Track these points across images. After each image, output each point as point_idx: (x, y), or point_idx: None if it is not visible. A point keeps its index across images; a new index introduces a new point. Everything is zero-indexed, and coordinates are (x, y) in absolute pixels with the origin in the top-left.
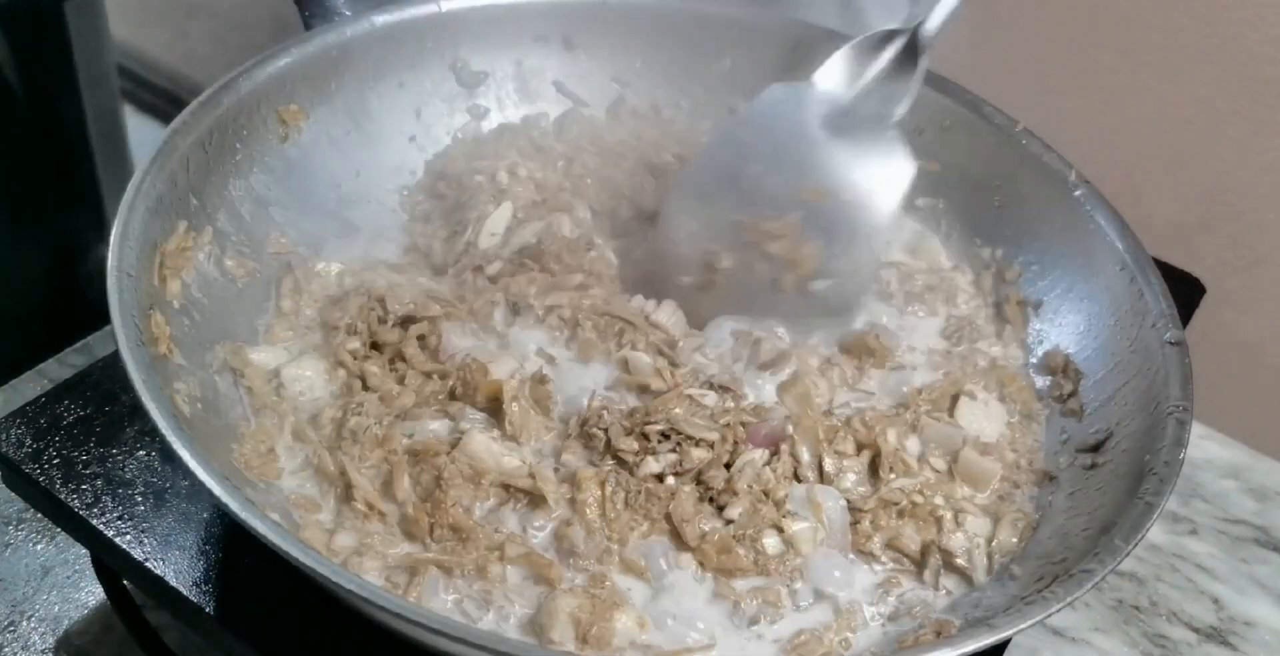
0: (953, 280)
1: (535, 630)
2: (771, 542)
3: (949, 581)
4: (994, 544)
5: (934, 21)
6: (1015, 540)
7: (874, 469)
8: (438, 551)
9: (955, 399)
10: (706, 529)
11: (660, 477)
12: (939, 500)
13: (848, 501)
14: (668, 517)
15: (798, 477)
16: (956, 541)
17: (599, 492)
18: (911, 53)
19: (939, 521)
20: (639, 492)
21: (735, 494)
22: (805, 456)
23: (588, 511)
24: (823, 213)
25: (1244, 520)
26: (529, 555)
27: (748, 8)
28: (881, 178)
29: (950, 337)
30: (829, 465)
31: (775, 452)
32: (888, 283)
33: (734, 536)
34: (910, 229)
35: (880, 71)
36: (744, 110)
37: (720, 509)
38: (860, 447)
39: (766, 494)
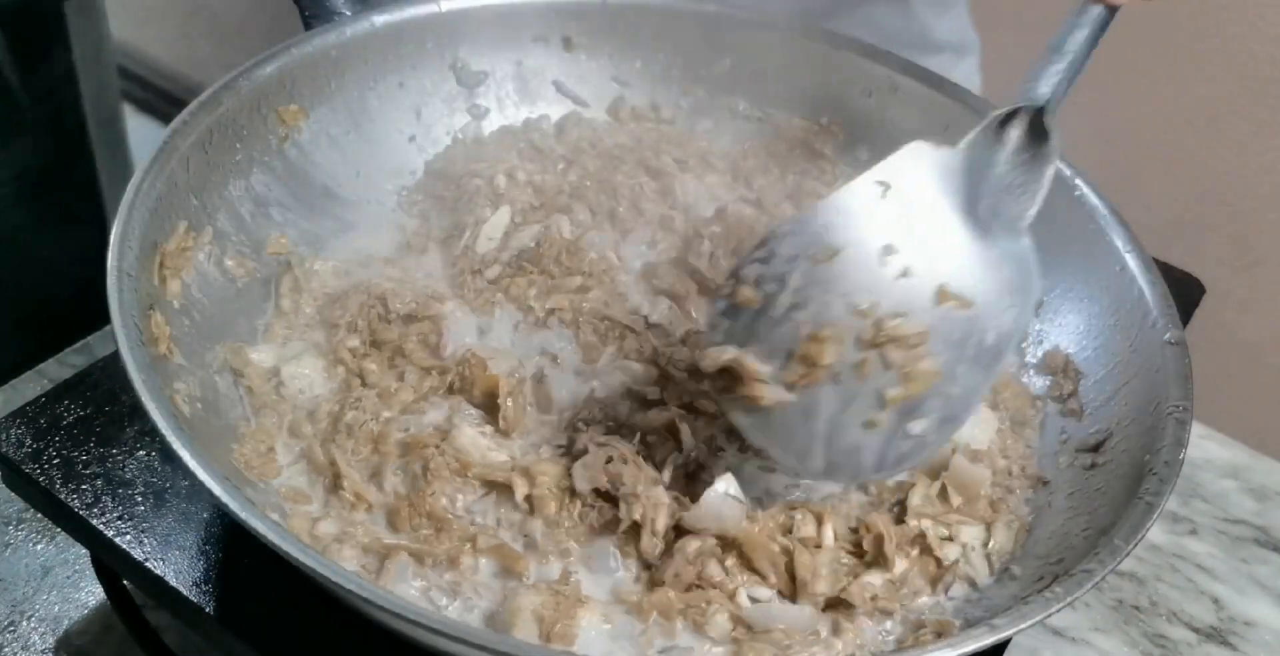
0: None
1: (498, 627)
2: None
3: (955, 589)
4: (990, 546)
5: (1053, 93)
6: (1010, 545)
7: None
8: (412, 539)
9: None
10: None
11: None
12: (927, 524)
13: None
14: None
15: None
16: (950, 552)
17: (557, 488)
18: (1039, 134)
19: (930, 546)
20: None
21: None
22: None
23: (548, 506)
24: (952, 324)
25: (1244, 520)
26: (500, 547)
27: (748, 8)
28: (1017, 295)
29: None
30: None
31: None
32: None
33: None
34: None
35: (1010, 157)
36: (880, 167)
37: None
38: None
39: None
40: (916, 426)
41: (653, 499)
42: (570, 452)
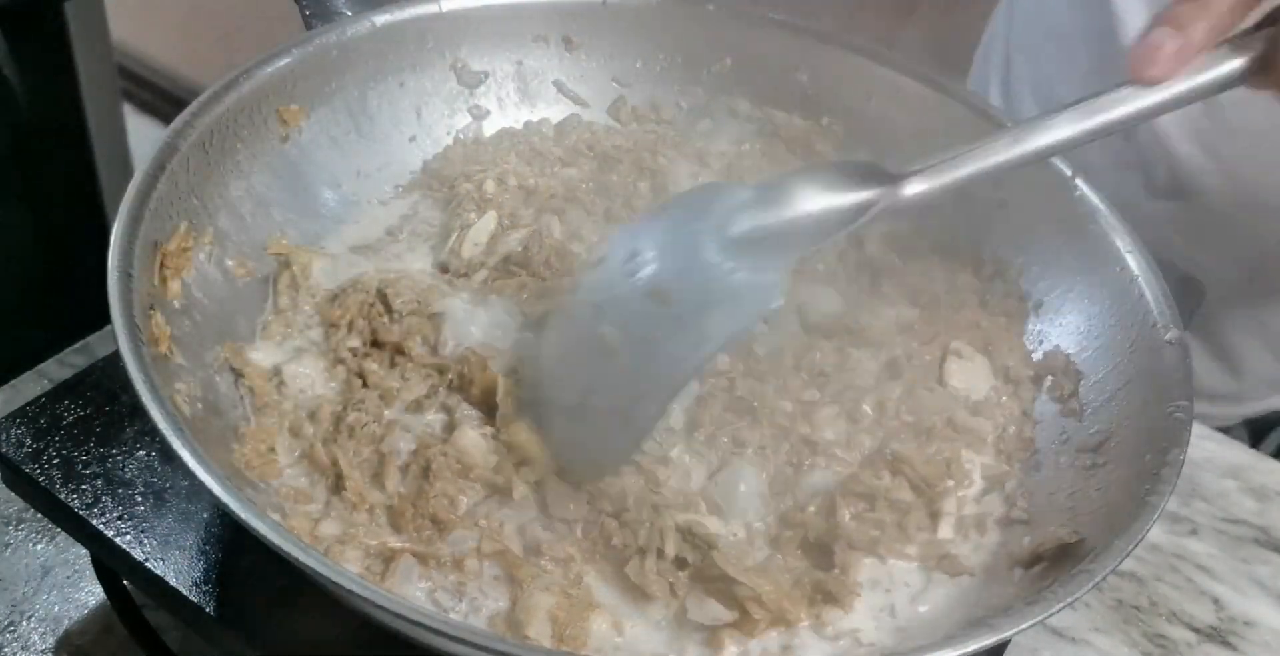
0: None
1: (510, 625)
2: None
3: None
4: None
5: (914, 190)
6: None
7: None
8: (415, 541)
9: (943, 360)
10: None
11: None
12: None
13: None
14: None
15: None
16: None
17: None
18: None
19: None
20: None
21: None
22: None
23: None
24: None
25: (1244, 520)
26: (503, 552)
27: (748, 8)
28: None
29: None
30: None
31: None
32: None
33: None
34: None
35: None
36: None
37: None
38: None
39: None
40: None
41: (658, 524)
42: None
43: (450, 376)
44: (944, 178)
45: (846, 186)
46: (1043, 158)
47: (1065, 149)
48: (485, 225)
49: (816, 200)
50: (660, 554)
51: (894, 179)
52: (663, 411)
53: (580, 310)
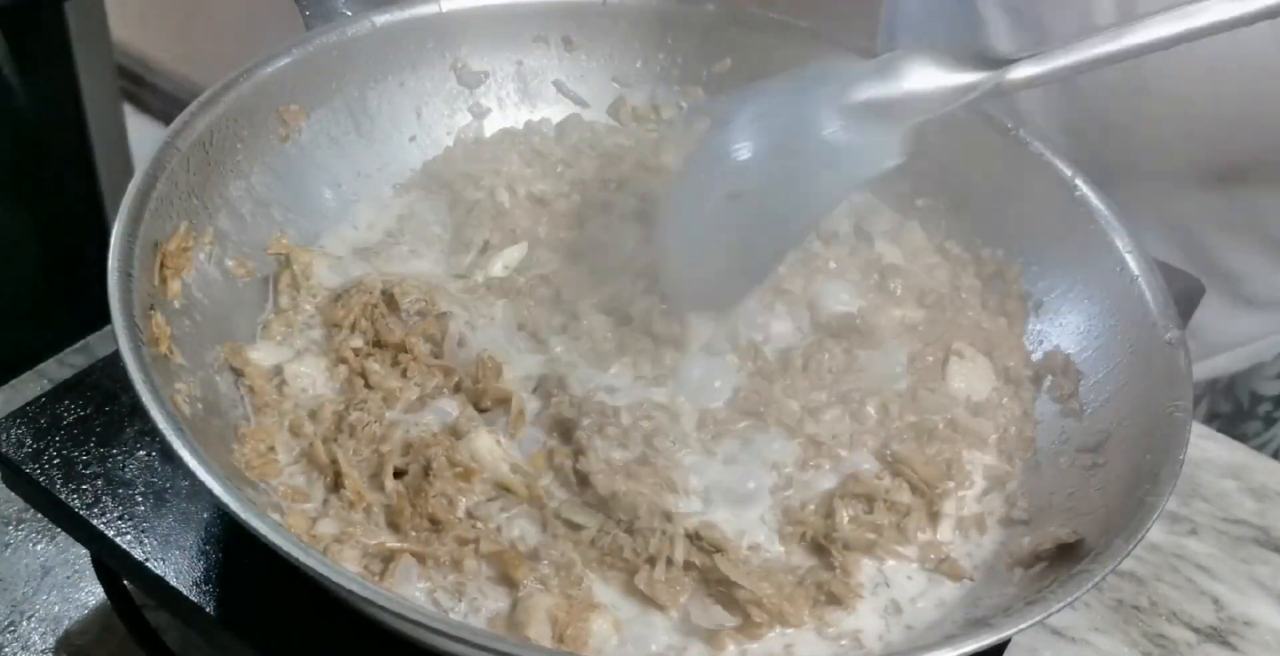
0: (935, 264)
1: (510, 625)
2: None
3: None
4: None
5: (1020, 74)
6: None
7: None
8: (414, 541)
9: (945, 362)
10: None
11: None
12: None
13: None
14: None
15: None
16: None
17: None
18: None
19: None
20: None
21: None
22: None
23: (546, 504)
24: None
25: (1244, 520)
26: (501, 552)
27: (749, 8)
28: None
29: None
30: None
31: None
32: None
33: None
34: (889, 218)
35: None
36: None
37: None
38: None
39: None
40: None
41: (670, 532)
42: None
43: (458, 378)
44: (1048, 64)
45: (957, 67)
46: (1138, 54)
47: (1160, 47)
48: (517, 252)
49: (930, 78)
50: (670, 562)
51: (1001, 63)
52: (781, 260)
53: (705, 166)
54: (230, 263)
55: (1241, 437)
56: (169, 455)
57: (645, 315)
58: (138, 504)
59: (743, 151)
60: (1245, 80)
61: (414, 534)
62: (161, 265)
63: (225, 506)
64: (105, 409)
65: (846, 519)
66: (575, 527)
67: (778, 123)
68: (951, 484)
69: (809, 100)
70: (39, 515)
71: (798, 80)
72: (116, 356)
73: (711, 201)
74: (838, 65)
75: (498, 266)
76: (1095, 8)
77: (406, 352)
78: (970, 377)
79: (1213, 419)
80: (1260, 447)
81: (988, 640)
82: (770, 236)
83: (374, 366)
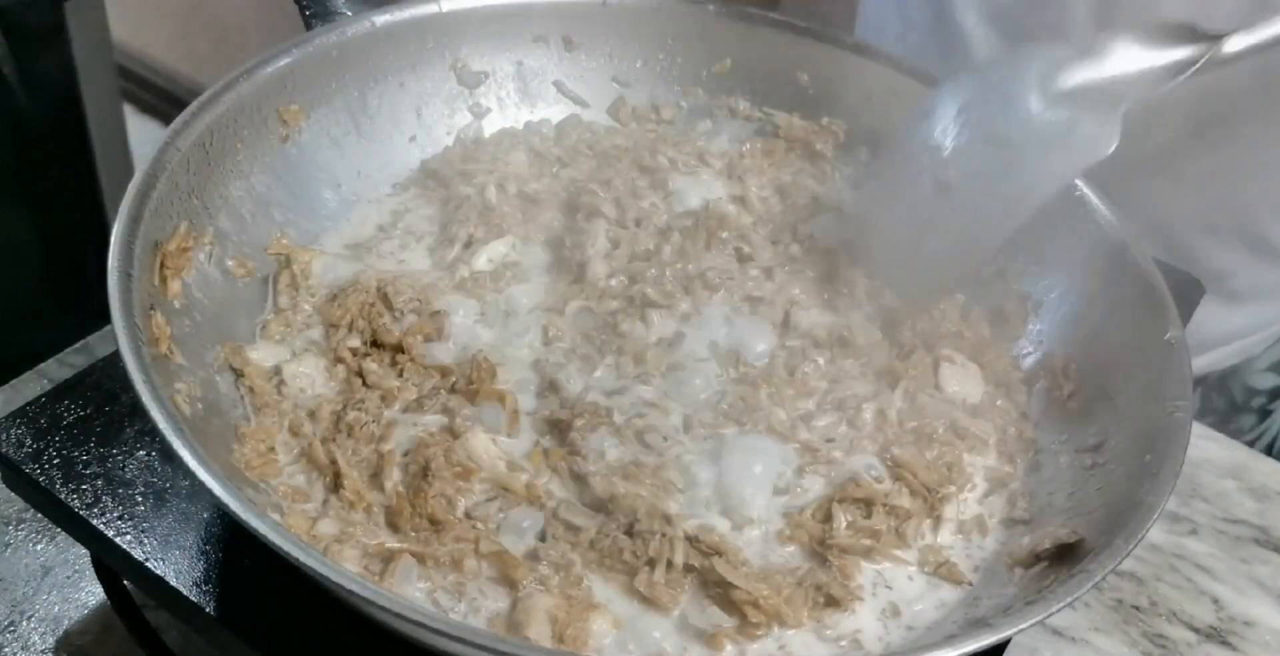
0: None
1: (510, 625)
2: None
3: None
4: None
5: (1237, 46)
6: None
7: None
8: (414, 542)
9: (936, 367)
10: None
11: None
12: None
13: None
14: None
15: None
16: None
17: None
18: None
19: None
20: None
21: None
22: None
23: (545, 503)
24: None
25: (1244, 520)
26: (500, 554)
27: (748, 8)
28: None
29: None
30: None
31: None
32: None
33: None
34: None
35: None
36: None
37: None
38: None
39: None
40: None
41: (670, 534)
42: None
43: (455, 379)
44: (1264, 34)
45: (1166, 43)
46: None
47: None
48: (502, 246)
49: (1138, 58)
50: (669, 564)
51: (1213, 36)
52: (998, 245)
53: (915, 155)
54: (230, 262)
55: (1236, 432)
56: (169, 455)
57: (612, 315)
58: (138, 504)
59: (949, 142)
60: (1222, 76)
61: (414, 534)
62: (161, 265)
63: (225, 506)
64: (105, 409)
65: (844, 524)
66: (574, 529)
67: (985, 113)
68: (953, 487)
69: (1015, 89)
70: (39, 515)
71: (998, 68)
72: (116, 356)
73: (920, 192)
74: (1038, 50)
75: (482, 260)
76: (1070, 15)
77: (404, 353)
78: (963, 381)
79: (1206, 414)
80: (1255, 441)
81: (988, 640)
82: (983, 225)
83: (371, 366)
